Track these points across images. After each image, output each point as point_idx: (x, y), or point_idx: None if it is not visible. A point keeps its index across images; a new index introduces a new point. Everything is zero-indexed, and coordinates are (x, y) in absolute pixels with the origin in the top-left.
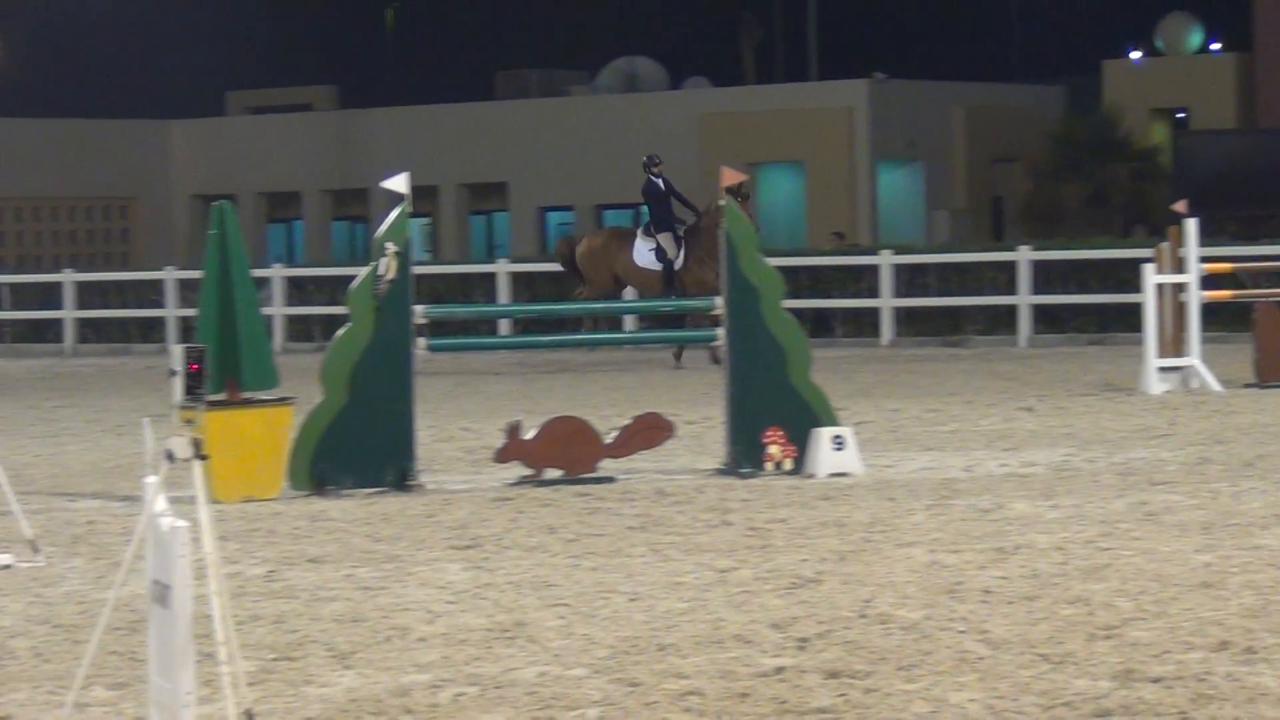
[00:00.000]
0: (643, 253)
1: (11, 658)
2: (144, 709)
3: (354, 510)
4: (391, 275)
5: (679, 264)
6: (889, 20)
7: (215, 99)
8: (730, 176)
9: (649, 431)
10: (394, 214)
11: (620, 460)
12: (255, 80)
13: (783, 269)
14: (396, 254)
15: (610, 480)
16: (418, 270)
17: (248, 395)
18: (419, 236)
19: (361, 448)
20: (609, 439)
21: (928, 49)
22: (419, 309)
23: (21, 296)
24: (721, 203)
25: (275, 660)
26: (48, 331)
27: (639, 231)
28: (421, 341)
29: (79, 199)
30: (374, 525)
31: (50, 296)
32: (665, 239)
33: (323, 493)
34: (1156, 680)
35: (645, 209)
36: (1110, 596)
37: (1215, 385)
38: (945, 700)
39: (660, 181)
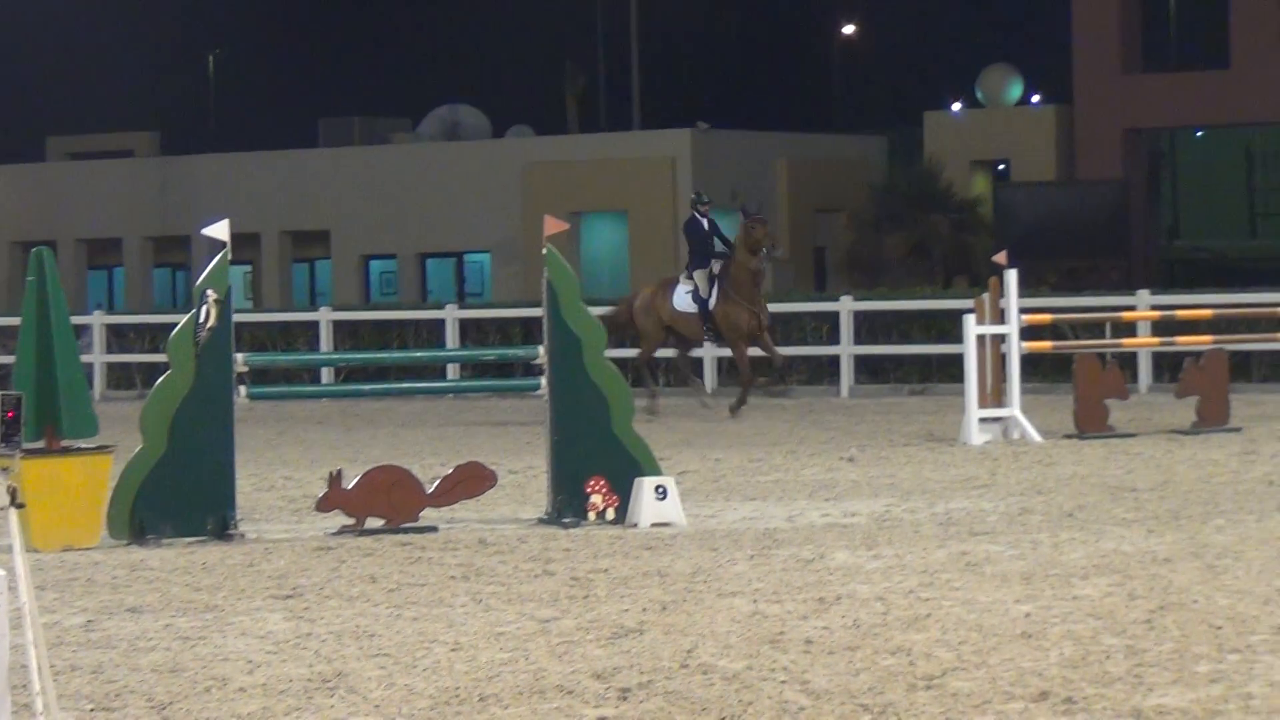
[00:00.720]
0: (681, 295)
1: None
2: None
3: (174, 559)
4: (212, 323)
5: (712, 302)
6: (713, 70)
7: (35, 144)
8: (553, 226)
9: (471, 481)
10: (215, 261)
11: (442, 510)
12: (76, 126)
13: (605, 319)
14: (217, 301)
15: (432, 530)
16: (239, 318)
17: (67, 443)
18: (240, 284)
19: (182, 496)
20: (431, 488)
21: (752, 99)
22: (240, 357)
23: None
24: (544, 250)
25: (93, 711)
26: None
27: (681, 276)
28: (243, 390)
29: None
30: (194, 575)
31: None
32: (701, 277)
33: (142, 542)
34: None
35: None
36: (931, 647)
37: (1035, 436)
38: None
39: (705, 221)
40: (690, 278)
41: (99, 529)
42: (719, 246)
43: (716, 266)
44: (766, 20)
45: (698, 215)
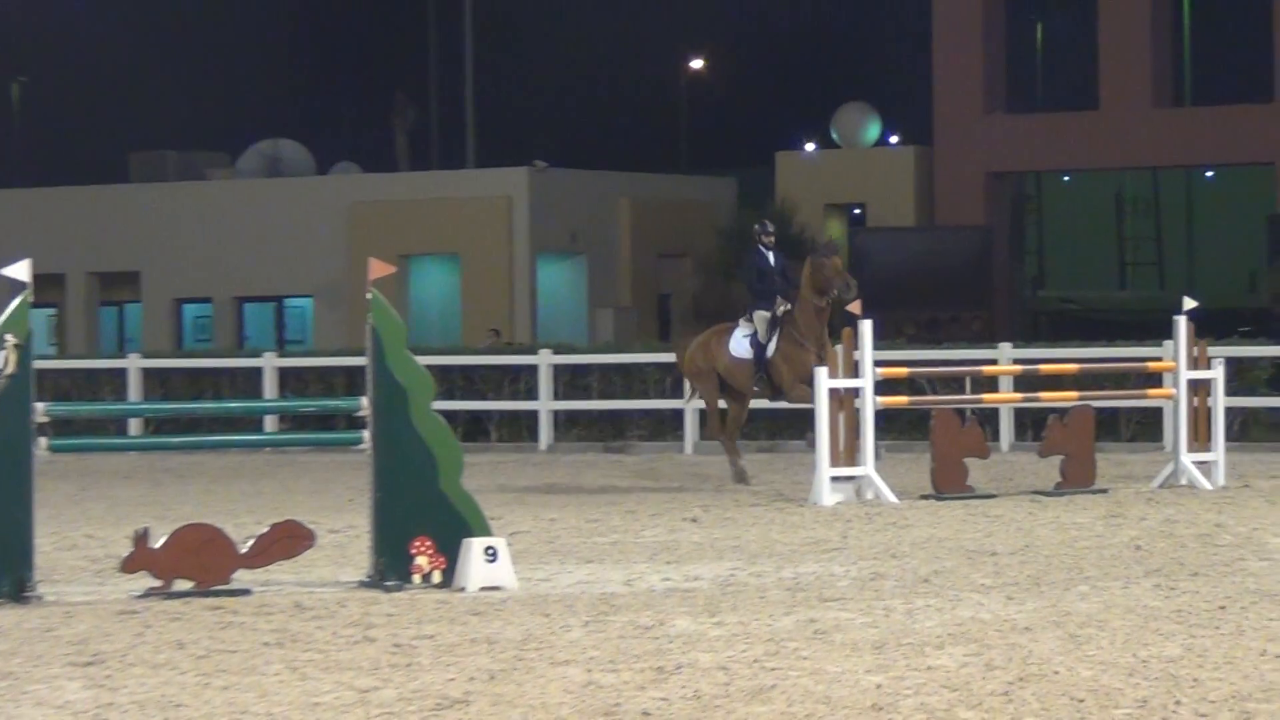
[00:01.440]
0: (738, 341)
1: None
2: None
3: None
4: (10, 370)
5: (770, 349)
6: (552, 107)
7: None
8: (378, 269)
9: (288, 540)
10: (14, 304)
11: (257, 571)
12: None
13: (435, 368)
14: (16, 347)
15: (245, 592)
16: (40, 365)
17: None
18: (43, 328)
19: None
20: (245, 548)
21: (593, 138)
22: (40, 406)
23: None
24: (369, 295)
25: None
26: None
27: (740, 320)
28: (43, 441)
29: None
30: None
31: None
32: (761, 320)
33: None
34: None
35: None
36: (775, 718)
37: (890, 496)
38: None
39: (770, 255)
40: (750, 320)
41: None
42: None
43: (781, 308)
44: (611, 54)
45: (761, 249)
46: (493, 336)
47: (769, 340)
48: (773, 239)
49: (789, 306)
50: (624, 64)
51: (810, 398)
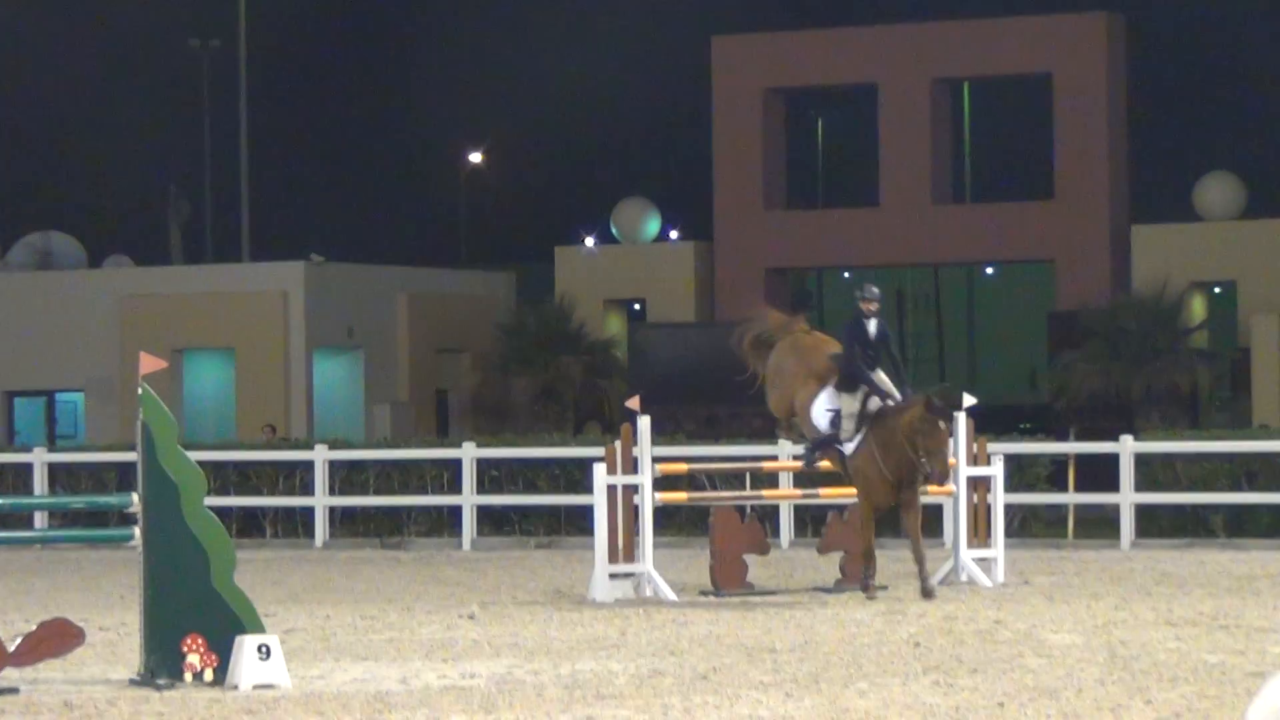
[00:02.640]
0: (821, 411)
1: None
2: None
3: None
4: None
5: (849, 446)
6: (329, 201)
7: None
8: (150, 363)
9: (56, 638)
10: None
11: (24, 669)
12: None
13: (208, 463)
14: None
15: (13, 691)
16: None
17: None
18: None
19: None
20: (12, 646)
21: (371, 232)
22: None
23: None
24: (140, 390)
25: None
26: None
27: (833, 382)
28: None
29: None
30: None
31: None
32: (848, 402)
33: None
34: None
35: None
36: None
37: (669, 593)
38: None
39: (872, 324)
40: (838, 391)
41: None
42: (884, 381)
43: (874, 403)
44: (389, 147)
45: (862, 316)
46: (268, 432)
47: (852, 438)
48: (875, 305)
49: (883, 405)
50: (402, 158)
51: (868, 519)
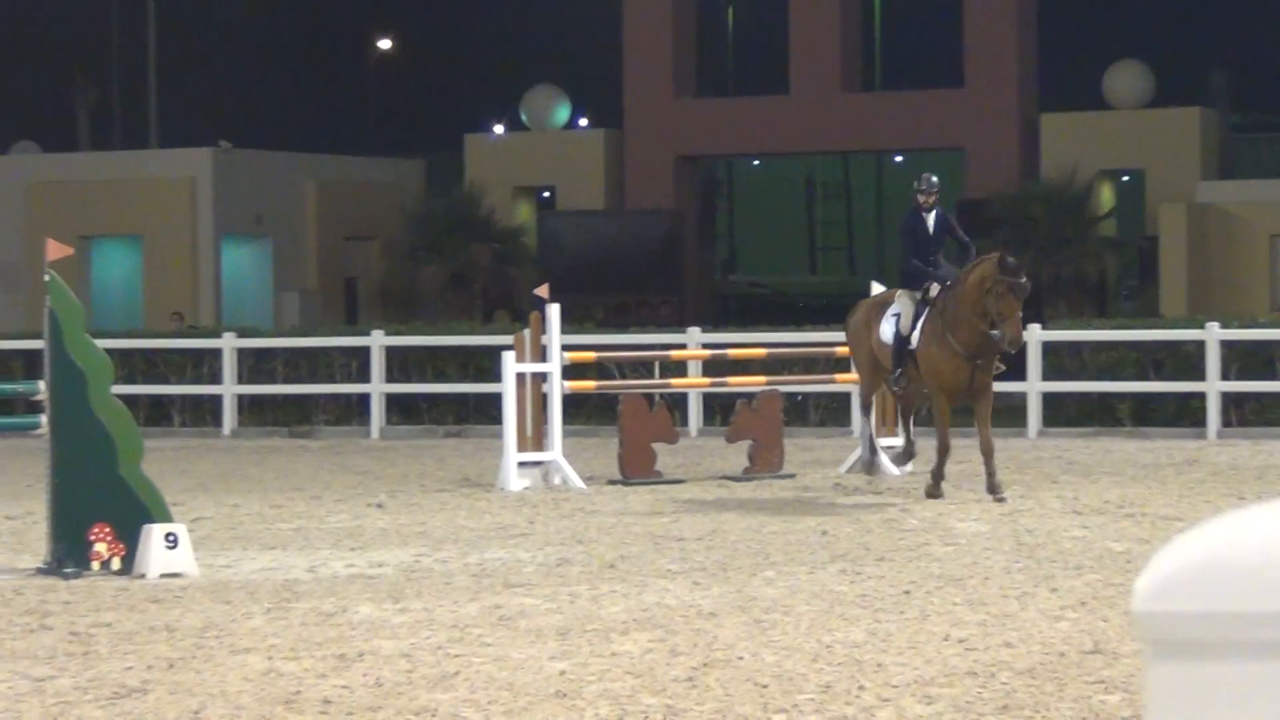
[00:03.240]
0: (887, 321)
1: None
2: None
3: None
4: None
5: (914, 340)
6: (238, 86)
7: None
8: (56, 250)
9: None
10: None
11: None
12: None
13: (115, 351)
14: None
15: None
16: None
17: None
18: None
19: None
20: None
21: (279, 119)
22: None
23: None
24: (46, 277)
25: None
26: None
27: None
28: None
29: None
30: None
31: None
32: (904, 302)
33: None
34: None
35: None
36: (458, 707)
37: (578, 482)
38: None
39: (930, 218)
40: (901, 298)
41: None
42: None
43: (935, 289)
44: (297, 34)
45: (919, 208)
46: (176, 320)
47: (911, 330)
48: (933, 197)
49: (939, 288)
50: (311, 44)
51: (944, 409)
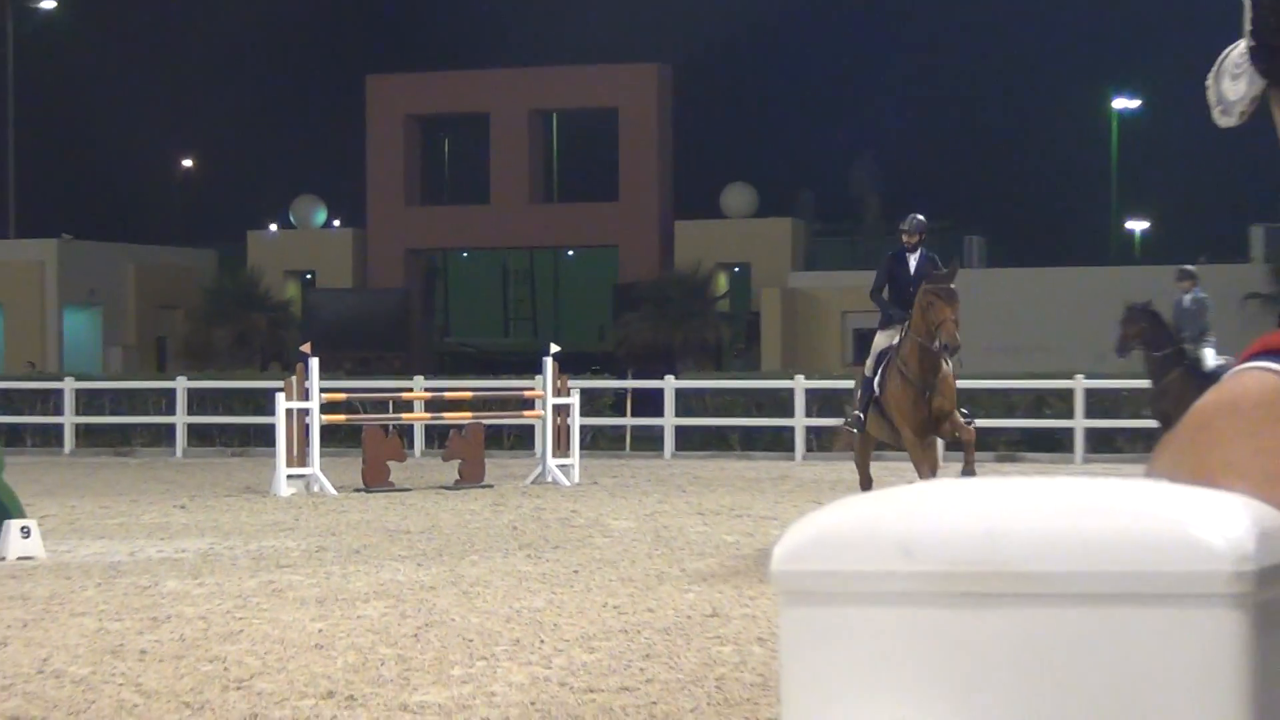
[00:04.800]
0: (870, 368)
1: None
2: None
3: None
4: None
5: (876, 383)
6: (78, 186)
7: None
8: None
9: None
10: None
11: None
12: None
13: None
14: None
15: None
16: None
17: None
18: None
19: None
20: None
21: (108, 213)
22: None
23: None
24: None
25: None
26: None
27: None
28: None
29: None
30: None
31: None
32: (882, 339)
33: None
34: None
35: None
36: (242, 656)
37: (331, 489)
38: None
39: (911, 260)
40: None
41: None
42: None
43: (897, 337)
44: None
45: (903, 249)
46: (28, 367)
47: (874, 373)
48: (916, 238)
49: (899, 338)
50: (131, 159)
51: (915, 444)
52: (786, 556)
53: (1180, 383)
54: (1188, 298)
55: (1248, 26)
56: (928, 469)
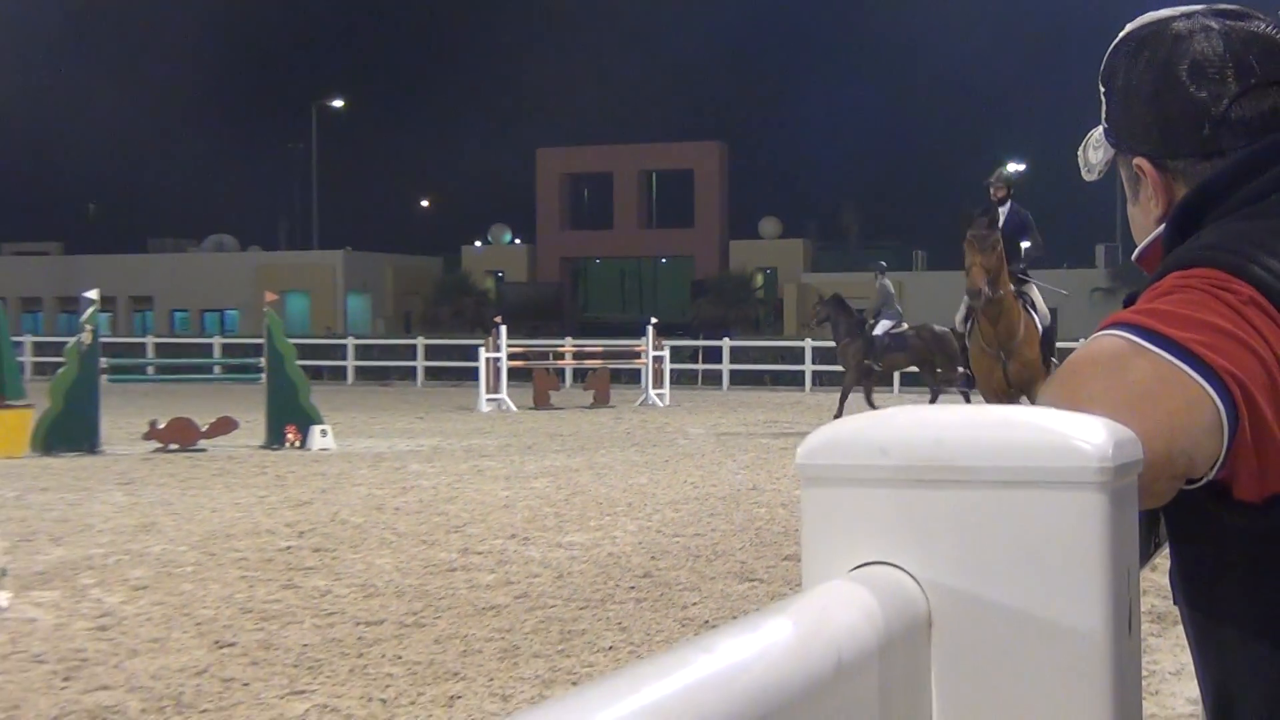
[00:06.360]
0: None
1: None
2: None
3: (66, 464)
4: (89, 340)
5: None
6: (357, 214)
7: None
8: (269, 296)
9: (225, 423)
10: (89, 310)
11: (211, 439)
12: None
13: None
14: (91, 330)
15: (203, 450)
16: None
17: (9, 403)
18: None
19: (71, 430)
20: (204, 428)
21: (375, 232)
22: (104, 360)
23: None
24: (265, 309)
25: (17, 541)
26: None
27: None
28: (105, 376)
29: None
30: (76, 472)
31: None
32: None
33: (50, 454)
34: (483, 553)
35: None
36: (458, 511)
37: (513, 408)
38: (374, 563)
39: (1001, 212)
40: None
41: (24, 447)
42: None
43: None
44: (382, 191)
45: (991, 205)
46: (326, 330)
47: (963, 326)
48: (1004, 191)
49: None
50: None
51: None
52: (806, 453)
53: (855, 343)
54: (880, 284)
55: (1103, 116)
56: None
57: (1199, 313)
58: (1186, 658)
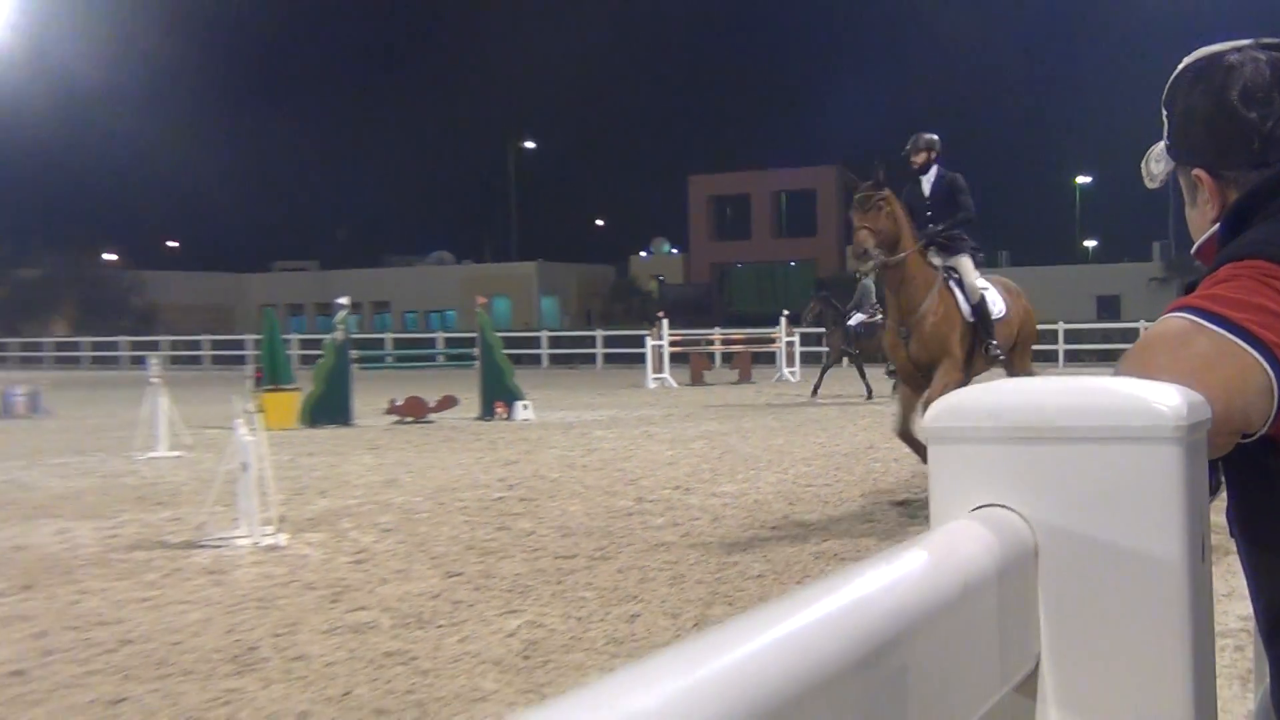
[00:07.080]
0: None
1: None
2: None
3: (327, 434)
4: (342, 336)
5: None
6: (545, 231)
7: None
8: (480, 300)
9: (448, 400)
10: (341, 312)
11: (438, 413)
12: None
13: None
14: (344, 328)
15: (432, 422)
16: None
17: (280, 386)
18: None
19: (330, 407)
20: (432, 404)
21: (560, 246)
22: (353, 352)
23: None
24: (478, 309)
25: (291, 496)
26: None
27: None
28: (355, 365)
29: None
30: (334, 440)
31: None
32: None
33: (314, 426)
34: (653, 501)
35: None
36: (633, 467)
37: (674, 385)
38: (568, 509)
39: (924, 182)
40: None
41: (294, 421)
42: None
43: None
44: (571, 221)
45: (917, 172)
46: (525, 327)
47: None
48: (924, 156)
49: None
50: (557, 223)
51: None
52: (931, 417)
53: (837, 332)
54: (862, 283)
55: (1165, 134)
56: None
57: (1251, 297)
58: (1236, 582)
